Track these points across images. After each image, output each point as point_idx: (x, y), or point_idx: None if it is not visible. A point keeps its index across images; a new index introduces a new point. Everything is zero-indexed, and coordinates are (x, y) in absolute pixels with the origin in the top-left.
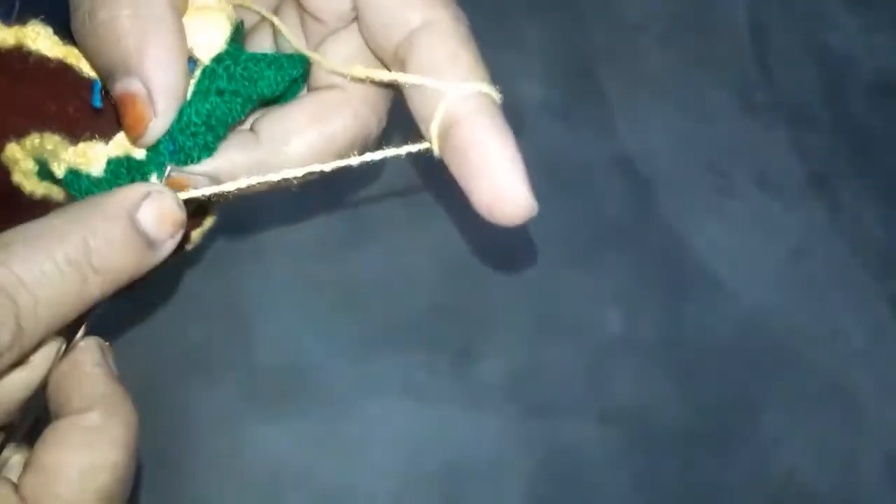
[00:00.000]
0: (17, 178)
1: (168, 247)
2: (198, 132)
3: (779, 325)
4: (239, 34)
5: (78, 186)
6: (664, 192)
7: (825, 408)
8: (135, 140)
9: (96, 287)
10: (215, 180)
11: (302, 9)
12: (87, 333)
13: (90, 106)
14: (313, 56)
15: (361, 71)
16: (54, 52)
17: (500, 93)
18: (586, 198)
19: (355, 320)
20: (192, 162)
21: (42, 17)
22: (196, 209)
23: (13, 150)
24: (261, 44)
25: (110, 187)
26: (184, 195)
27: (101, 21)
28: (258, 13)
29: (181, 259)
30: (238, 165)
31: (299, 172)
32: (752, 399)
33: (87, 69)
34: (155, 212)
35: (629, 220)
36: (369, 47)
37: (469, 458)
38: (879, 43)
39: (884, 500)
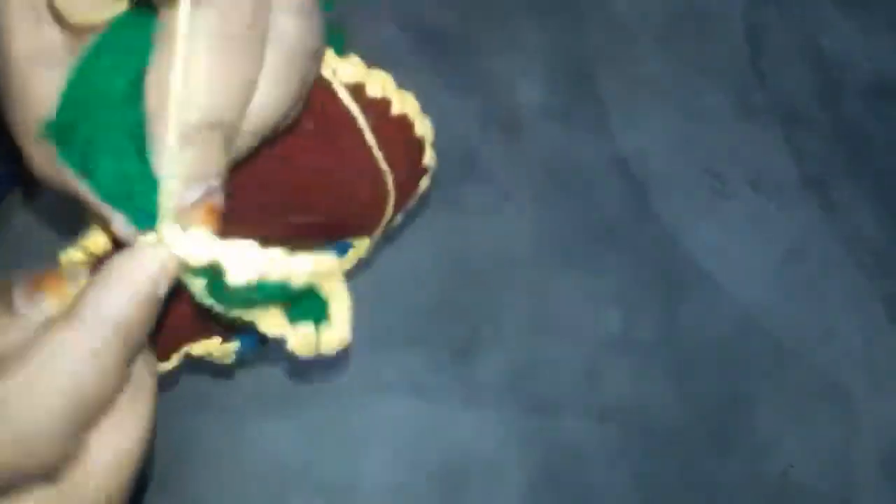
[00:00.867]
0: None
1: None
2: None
3: (774, 325)
4: None
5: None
6: (661, 192)
7: (820, 406)
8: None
9: (137, 347)
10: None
11: None
12: None
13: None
14: None
15: None
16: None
17: (500, 96)
18: (585, 198)
19: (356, 319)
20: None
21: None
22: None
23: None
24: None
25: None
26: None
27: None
28: None
29: None
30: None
31: None
32: (748, 398)
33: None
34: (167, 277)
35: (627, 220)
36: None
37: (469, 455)
38: (875, 45)
39: (879, 497)
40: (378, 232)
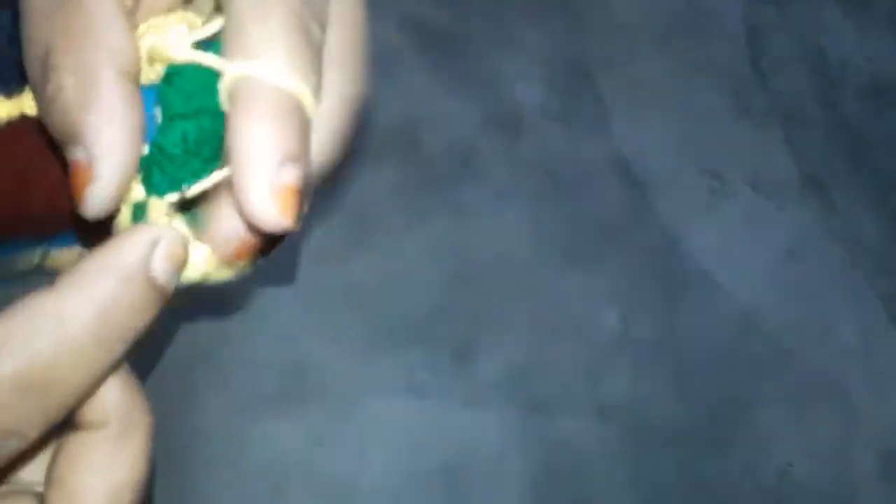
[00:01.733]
0: None
1: (174, 286)
2: (184, 161)
3: (773, 324)
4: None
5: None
6: (660, 193)
7: (819, 405)
8: (82, 207)
9: (118, 357)
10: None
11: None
12: None
13: None
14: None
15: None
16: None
17: (499, 96)
18: (584, 199)
19: (357, 319)
20: (181, 187)
21: None
22: None
23: None
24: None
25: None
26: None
27: (49, 95)
28: None
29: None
30: None
31: None
32: (746, 397)
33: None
34: (166, 258)
35: (626, 221)
36: None
37: (469, 454)
38: (874, 46)
39: (876, 495)
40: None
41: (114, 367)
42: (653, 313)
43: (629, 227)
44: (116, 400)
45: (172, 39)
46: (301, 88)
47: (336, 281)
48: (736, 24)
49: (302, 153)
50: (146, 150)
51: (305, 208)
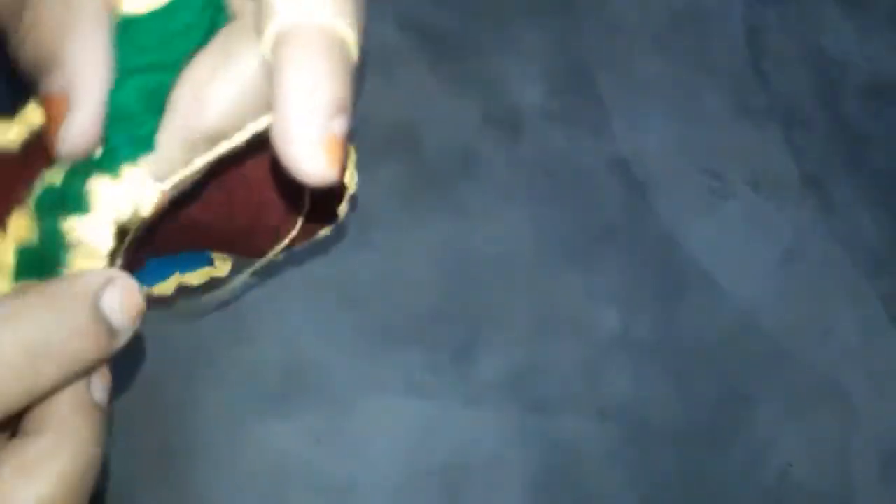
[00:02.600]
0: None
1: (127, 335)
2: (139, 115)
3: (772, 324)
4: None
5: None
6: (660, 193)
7: (819, 405)
8: (59, 144)
9: (48, 379)
10: (159, 175)
11: None
12: None
13: None
14: None
15: None
16: None
17: (499, 96)
18: (584, 199)
19: (357, 319)
20: (149, 149)
21: None
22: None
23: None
24: None
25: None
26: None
27: (27, 25)
28: None
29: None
30: (175, 149)
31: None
32: (746, 396)
33: None
34: (118, 298)
35: (626, 221)
36: None
37: (469, 454)
38: (873, 45)
39: (876, 495)
40: (257, 257)
41: (34, 392)
42: (653, 313)
43: (629, 227)
44: (62, 415)
45: None
46: (349, 35)
47: (336, 281)
48: (736, 24)
49: (350, 102)
50: None
51: (346, 161)
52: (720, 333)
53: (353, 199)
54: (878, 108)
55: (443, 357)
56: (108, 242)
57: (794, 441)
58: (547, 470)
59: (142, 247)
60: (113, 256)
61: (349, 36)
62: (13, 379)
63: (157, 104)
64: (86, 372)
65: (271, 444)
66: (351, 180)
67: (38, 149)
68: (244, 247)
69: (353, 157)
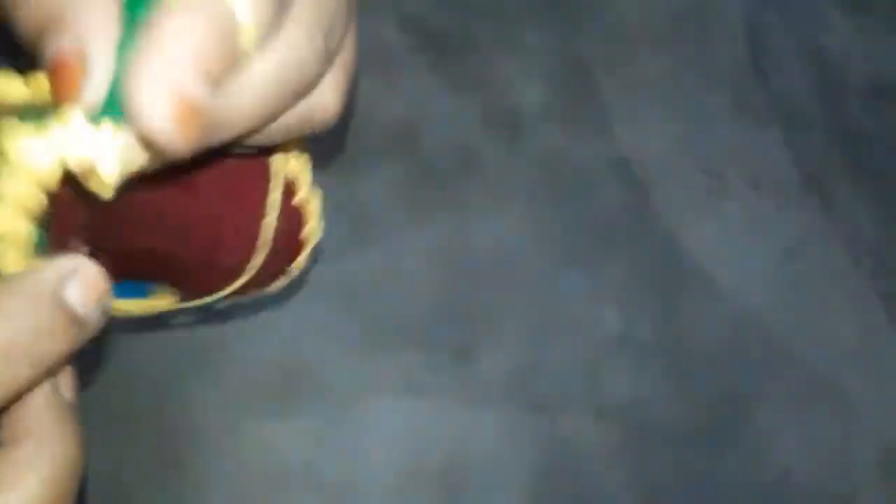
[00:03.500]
0: None
1: (96, 322)
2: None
3: (773, 325)
4: None
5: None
6: (660, 193)
7: (819, 406)
8: (74, 102)
9: (25, 378)
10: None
11: None
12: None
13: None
14: None
15: None
16: None
17: (499, 96)
18: (584, 199)
19: (356, 319)
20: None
21: None
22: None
23: None
24: None
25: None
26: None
27: None
28: None
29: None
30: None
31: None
32: (746, 397)
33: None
34: (82, 288)
35: (626, 221)
36: None
37: (469, 454)
38: (874, 45)
39: (876, 495)
40: (201, 297)
41: (27, 386)
42: (653, 313)
43: (629, 227)
44: (41, 422)
45: None
46: (245, 17)
47: (335, 280)
48: (736, 24)
49: (217, 78)
50: None
51: (202, 142)
52: (720, 333)
53: (315, 251)
54: (878, 108)
55: (443, 357)
56: (32, 183)
57: (794, 441)
58: (547, 470)
59: (94, 255)
60: (45, 223)
61: (244, 21)
62: None
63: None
64: (57, 366)
65: (271, 445)
66: (313, 232)
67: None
68: (195, 282)
69: (317, 208)
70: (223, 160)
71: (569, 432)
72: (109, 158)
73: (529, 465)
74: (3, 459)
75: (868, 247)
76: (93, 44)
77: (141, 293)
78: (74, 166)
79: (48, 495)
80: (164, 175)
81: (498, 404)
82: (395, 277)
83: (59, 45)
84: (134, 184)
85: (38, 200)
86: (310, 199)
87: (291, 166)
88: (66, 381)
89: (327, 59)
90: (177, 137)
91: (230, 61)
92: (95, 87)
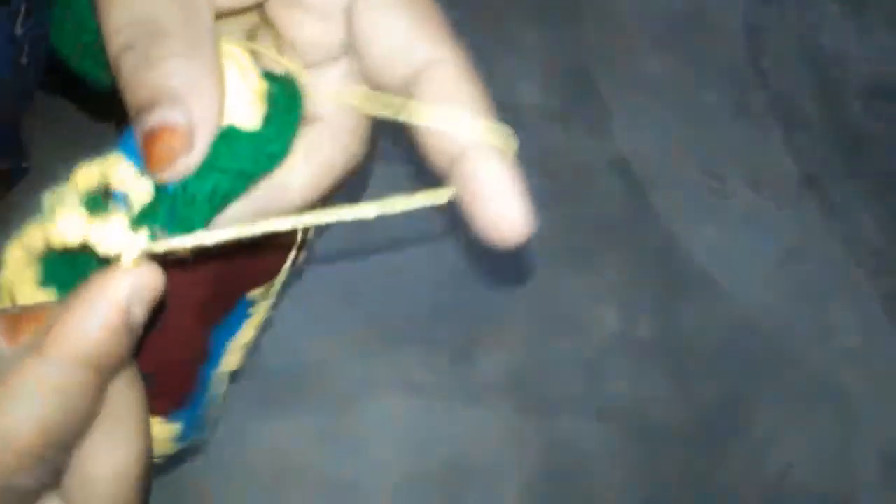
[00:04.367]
0: None
1: (140, 328)
2: (200, 207)
3: (772, 324)
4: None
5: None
6: (660, 193)
7: (820, 406)
8: (157, 173)
9: (98, 388)
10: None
11: (281, 39)
12: None
13: None
14: (332, 96)
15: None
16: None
17: (500, 96)
18: (584, 199)
19: (357, 319)
20: (188, 230)
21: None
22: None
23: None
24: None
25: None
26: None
27: (152, 55)
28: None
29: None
30: (237, 218)
31: (306, 221)
32: (746, 396)
33: None
34: (141, 301)
35: (626, 220)
36: (367, 82)
37: (469, 453)
38: (873, 45)
39: (876, 495)
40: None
41: (89, 404)
42: (653, 313)
43: (629, 227)
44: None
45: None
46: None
47: (336, 280)
48: (736, 23)
49: None
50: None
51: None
52: (720, 333)
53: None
54: (878, 108)
55: (442, 357)
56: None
57: (794, 441)
58: (547, 470)
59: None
60: None
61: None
62: (71, 403)
63: (218, 203)
64: (113, 372)
65: (272, 443)
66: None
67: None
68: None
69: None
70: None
71: (569, 432)
72: (128, 258)
73: (529, 465)
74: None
75: (868, 247)
76: (200, 130)
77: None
78: (98, 249)
79: (139, 449)
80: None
81: (498, 403)
82: (395, 277)
83: (170, 117)
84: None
85: (44, 253)
86: None
87: None
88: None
89: None
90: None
91: None
92: (195, 158)
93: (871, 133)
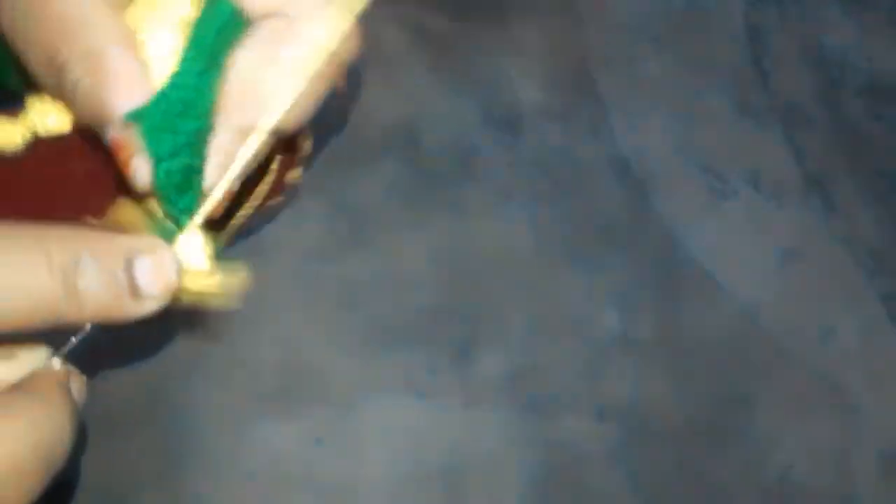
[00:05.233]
0: None
1: (153, 306)
2: (178, 196)
3: (773, 324)
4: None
5: None
6: (661, 192)
7: (820, 406)
8: (135, 182)
9: (71, 307)
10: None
11: None
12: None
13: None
14: None
15: None
16: (66, 125)
17: (499, 96)
18: (585, 198)
19: (356, 319)
20: (188, 218)
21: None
22: (285, 146)
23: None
24: None
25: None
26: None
27: (70, 91)
28: None
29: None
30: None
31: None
32: (747, 397)
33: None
34: (153, 268)
35: (626, 220)
36: None
37: (469, 454)
38: (875, 45)
39: (878, 496)
40: None
41: (55, 313)
42: (653, 313)
43: (629, 226)
44: (40, 379)
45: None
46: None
47: (335, 280)
48: (736, 23)
49: None
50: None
51: None
52: (720, 333)
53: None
54: (879, 108)
55: (443, 357)
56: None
57: (794, 441)
58: (547, 470)
59: None
60: None
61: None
62: (41, 291)
63: (187, 184)
64: (103, 322)
65: (271, 445)
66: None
67: (41, 148)
68: None
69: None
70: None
71: (569, 432)
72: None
73: (529, 465)
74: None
75: (868, 247)
76: (134, 134)
77: None
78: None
79: (34, 442)
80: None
81: (498, 404)
82: (395, 277)
83: (111, 135)
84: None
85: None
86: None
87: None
88: (79, 388)
89: None
90: None
91: None
92: (146, 166)
93: (873, 133)
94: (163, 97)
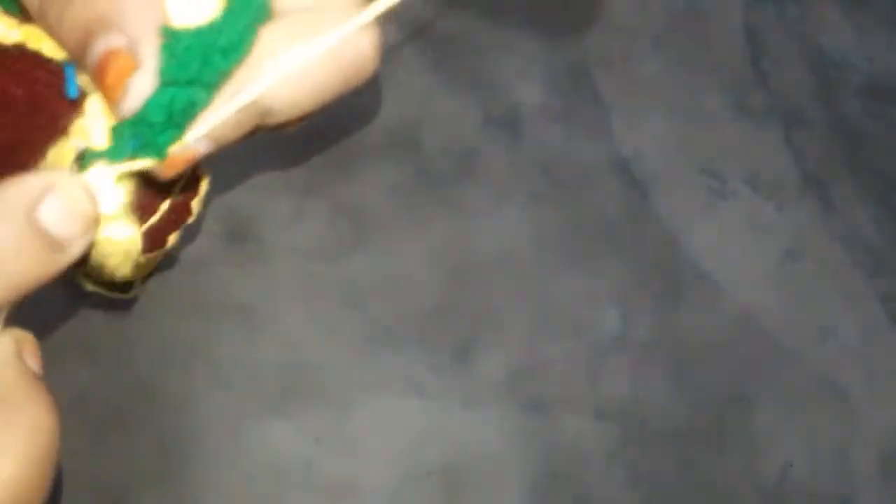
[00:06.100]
0: None
1: (78, 246)
2: (162, 129)
3: (772, 324)
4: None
5: None
6: (661, 192)
7: (819, 406)
8: (117, 104)
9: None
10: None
11: None
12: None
13: (61, 93)
14: None
15: None
16: (12, 36)
17: (499, 96)
18: (585, 198)
19: (356, 319)
20: (158, 155)
21: None
22: (188, 180)
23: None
24: None
25: None
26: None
27: None
28: None
29: (181, 243)
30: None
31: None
32: (746, 397)
33: (50, 52)
34: (60, 207)
35: (625, 220)
36: None
37: (469, 454)
38: (873, 45)
39: (877, 496)
40: None
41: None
42: (653, 313)
43: (629, 227)
44: (5, 385)
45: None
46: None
47: (335, 280)
48: (735, 23)
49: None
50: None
51: None
52: (720, 333)
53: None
54: (878, 108)
55: (443, 357)
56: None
57: (794, 441)
58: (547, 470)
59: None
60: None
61: None
62: None
63: (181, 119)
64: (30, 291)
65: (271, 444)
66: (195, 208)
67: (30, 64)
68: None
69: (204, 187)
70: None
71: (569, 432)
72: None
73: (529, 465)
74: None
75: (868, 246)
76: (145, 46)
77: None
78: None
79: (21, 472)
80: None
81: (498, 404)
82: (395, 277)
83: (106, 46)
84: None
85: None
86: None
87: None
88: (30, 350)
89: None
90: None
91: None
92: (147, 84)
93: (872, 133)
94: (209, 28)
